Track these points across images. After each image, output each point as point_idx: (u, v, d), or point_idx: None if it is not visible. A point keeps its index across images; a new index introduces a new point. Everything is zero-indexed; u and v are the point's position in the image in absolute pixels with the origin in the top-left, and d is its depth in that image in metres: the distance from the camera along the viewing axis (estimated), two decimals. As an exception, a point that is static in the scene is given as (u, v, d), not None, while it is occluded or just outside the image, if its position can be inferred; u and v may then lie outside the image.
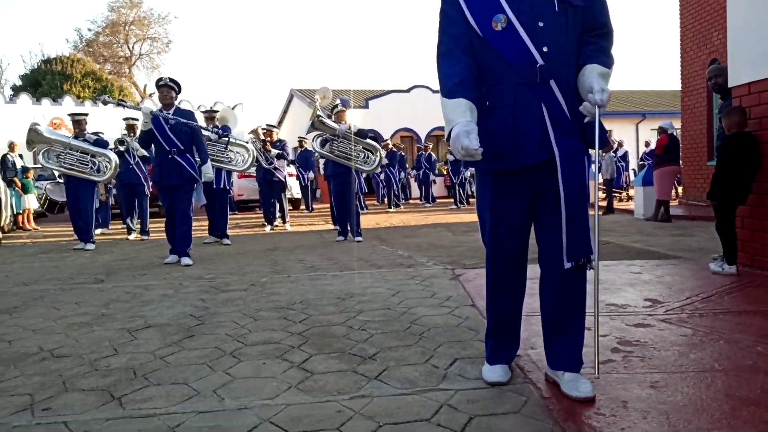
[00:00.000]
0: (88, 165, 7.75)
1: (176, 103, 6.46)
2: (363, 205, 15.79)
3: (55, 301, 4.31)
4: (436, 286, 4.39)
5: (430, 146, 17.76)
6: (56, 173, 9.90)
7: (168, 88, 6.24)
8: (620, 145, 17.78)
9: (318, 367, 2.64)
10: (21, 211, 11.29)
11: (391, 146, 16.55)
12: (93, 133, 8.41)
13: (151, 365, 2.75)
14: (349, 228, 7.99)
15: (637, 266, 4.83)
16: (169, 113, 6.18)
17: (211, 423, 2.08)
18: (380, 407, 2.15)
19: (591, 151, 2.25)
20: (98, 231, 9.41)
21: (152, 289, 4.68)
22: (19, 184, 11.17)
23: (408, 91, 22.07)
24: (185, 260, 6.07)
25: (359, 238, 7.84)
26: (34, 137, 7.48)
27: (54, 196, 13.25)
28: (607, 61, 2.19)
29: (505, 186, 2.25)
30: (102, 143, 8.11)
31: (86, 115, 8.25)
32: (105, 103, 6.78)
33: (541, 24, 2.12)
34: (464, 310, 3.62)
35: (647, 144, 17.63)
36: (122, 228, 10.30)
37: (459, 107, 2.13)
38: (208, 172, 6.41)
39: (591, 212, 2.23)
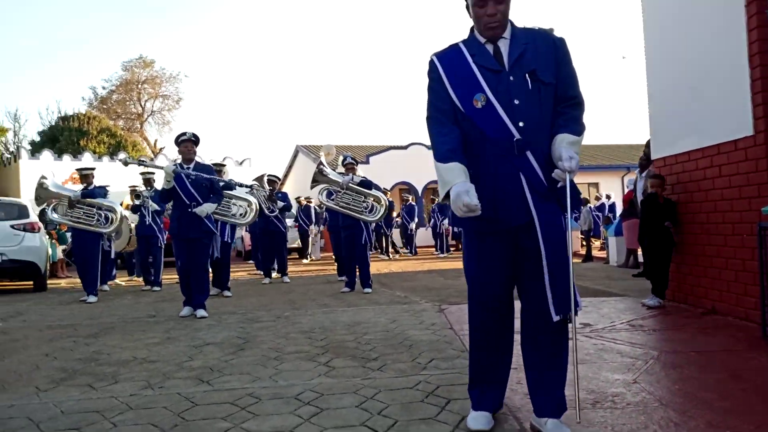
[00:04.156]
0: (94, 217, 8.11)
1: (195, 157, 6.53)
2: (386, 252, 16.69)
3: (125, 330, 5.49)
4: (425, 317, 5.58)
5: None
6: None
7: (191, 143, 6.36)
8: (608, 197, 19.40)
9: (338, 364, 3.82)
10: (56, 260, 12.53)
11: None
12: (98, 187, 8.48)
13: (220, 365, 3.92)
14: (359, 279, 8.00)
15: (586, 302, 6.01)
16: (189, 167, 6.32)
17: (273, 391, 3.25)
18: (381, 383, 3.33)
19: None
20: (114, 282, 10.24)
21: (199, 321, 5.85)
22: (56, 236, 12.44)
23: (405, 147, 23.60)
24: (201, 312, 6.10)
25: (368, 290, 7.82)
26: (41, 193, 8.03)
27: None
28: (577, 129, 2.40)
29: (488, 245, 2.46)
30: (99, 192, 8.28)
31: (93, 169, 8.66)
32: (126, 164, 7.08)
33: (516, 102, 2.34)
34: (445, 331, 4.81)
35: (608, 197, 19.08)
36: (128, 279, 11.26)
37: (454, 170, 2.33)
38: (205, 210, 6.25)
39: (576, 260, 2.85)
